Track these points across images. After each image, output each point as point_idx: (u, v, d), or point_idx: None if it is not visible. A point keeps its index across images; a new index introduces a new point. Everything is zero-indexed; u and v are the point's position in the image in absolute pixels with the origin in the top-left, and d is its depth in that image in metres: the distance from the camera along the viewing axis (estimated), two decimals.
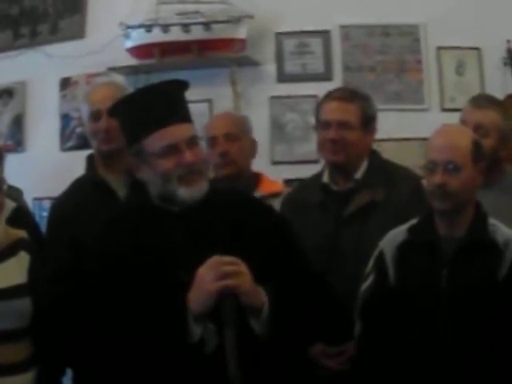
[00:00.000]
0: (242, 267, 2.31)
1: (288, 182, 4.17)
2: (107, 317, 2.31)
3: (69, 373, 2.95)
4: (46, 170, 4.91)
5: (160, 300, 2.30)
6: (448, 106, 4.56)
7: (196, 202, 2.40)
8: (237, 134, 3.52)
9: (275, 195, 3.46)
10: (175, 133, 2.38)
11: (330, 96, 3.26)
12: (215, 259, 2.29)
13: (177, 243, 2.38)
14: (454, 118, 3.40)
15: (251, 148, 3.62)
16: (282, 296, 2.37)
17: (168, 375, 2.30)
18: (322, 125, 3.23)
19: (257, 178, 3.57)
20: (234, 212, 2.47)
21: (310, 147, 4.25)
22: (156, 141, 2.38)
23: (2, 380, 2.62)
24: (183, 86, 2.50)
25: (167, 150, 2.37)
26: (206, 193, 2.42)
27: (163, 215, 2.43)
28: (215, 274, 2.27)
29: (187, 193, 2.39)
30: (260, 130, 4.61)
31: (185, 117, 2.43)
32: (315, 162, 3.70)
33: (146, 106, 2.40)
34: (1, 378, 2.62)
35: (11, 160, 3.94)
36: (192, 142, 2.40)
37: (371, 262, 2.89)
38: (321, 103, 3.29)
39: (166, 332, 2.27)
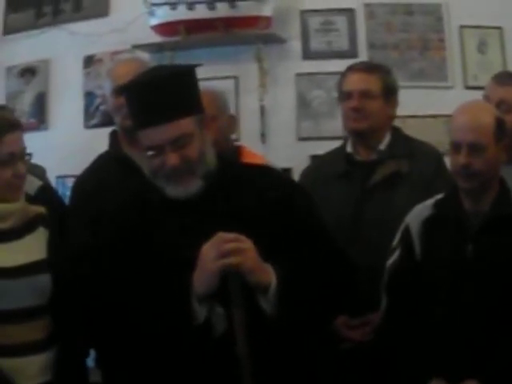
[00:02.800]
0: (246, 244, 2.24)
1: (315, 157, 4.20)
2: (121, 298, 2.30)
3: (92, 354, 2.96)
4: (69, 147, 4.90)
5: (166, 281, 2.26)
6: (471, 83, 4.58)
7: (186, 198, 2.33)
8: (213, 115, 3.31)
9: None
10: (159, 135, 2.28)
11: (352, 68, 3.38)
12: (218, 237, 2.23)
13: (185, 222, 2.34)
14: (477, 96, 3.42)
15: (230, 125, 3.56)
16: (293, 273, 2.29)
17: (175, 356, 2.26)
18: (344, 96, 3.33)
19: (238, 152, 3.52)
20: (244, 189, 2.40)
21: (335, 123, 4.27)
22: (143, 139, 2.34)
23: (21, 359, 2.63)
24: (187, 72, 2.38)
25: (152, 150, 2.32)
26: (198, 190, 2.33)
27: (172, 200, 2.37)
28: (216, 253, 2.21)
29: (174, 191, 2.34)
30: (286, 107, 4.73)
31: (178, 113, 2.30)
32: (341, 138, 3.71)
33: (138, 101, 2.33)
34: (20, 357, 2.62)
35: (34, 138, 3.96)
36: (180, 142, 2.30)
37: (397, 237, 2.92)
38: (343, 75, 3.38)
39: (169, 313, 2.24)
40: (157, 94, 2.28)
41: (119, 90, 2.53)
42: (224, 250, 2.20)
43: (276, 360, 2.30)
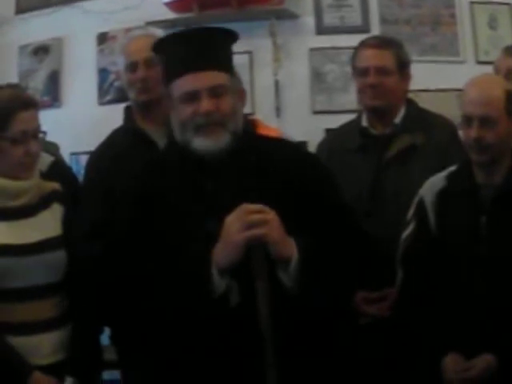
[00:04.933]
0: (271, 215, 2.22)
1: (329, 130, 4.25)
2: (139, 270, 2.29)
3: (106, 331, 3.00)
4: (83, 124, 4.94)
5: (186, 252, 2.25)
6: (482, 58, 4.62)
7: (214, 152, 2.33)
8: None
9: None
10: (198, 80, 2.31)
11: (365, 44, 3.37)
12: (242, 208, 2.20)
13: (207, 192, 2.33)
14: (488, 71, 3.47)
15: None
16: (314, 246, 2.28)
17: (193, 330, 2.25)
18: (360, 72, 3.33)
19: (253, 125, 3.50)
20: (268, 160, 2.39)
21: (349, 97, 4.31)
22: (180, 86, 2.35)
23: (35, 338, 2.63)
24: (229, 35, 2.45)
25: (187, 96, 2.33)
26: (226, 146, 2.33)
27: (194, 163, 2.37)
28: (241, 224, 2.18)
29: (202, 143, 2.32)
30: (300, 81, 4.77)
31: (217, 65, 2.35)
32: (355, 111, 3.75)
33: (179, 50, 2.35)
34: (34, 335, 2.63)
35: (48, 116, 3.99)
36: (216, 91, 2.33)
37: (411, 210, 2.93)
38: (357, 51, 3.38)
39: (189, 286, 2.22)
40: (200, 44, 2.34)
41: (159, 44, 2.49)
42: (249, 222, 2.19)
43: (297, 333, 2.30)
